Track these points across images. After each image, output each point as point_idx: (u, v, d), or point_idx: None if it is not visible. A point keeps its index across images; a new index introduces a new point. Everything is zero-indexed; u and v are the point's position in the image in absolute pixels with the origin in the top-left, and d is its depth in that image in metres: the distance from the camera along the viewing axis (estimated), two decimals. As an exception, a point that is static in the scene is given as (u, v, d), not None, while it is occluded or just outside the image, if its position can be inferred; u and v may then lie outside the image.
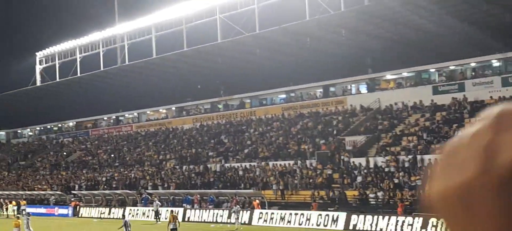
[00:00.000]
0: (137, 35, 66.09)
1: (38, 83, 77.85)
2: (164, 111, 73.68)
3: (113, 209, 49.68)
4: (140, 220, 45.62)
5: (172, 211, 37.76)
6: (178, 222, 34.46)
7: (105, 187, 57.16)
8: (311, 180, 42.53)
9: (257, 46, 55.09)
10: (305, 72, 56.89)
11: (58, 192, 59.76)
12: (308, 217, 35.83)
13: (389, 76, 52.28)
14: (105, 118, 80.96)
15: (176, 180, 51.69)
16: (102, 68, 69.22)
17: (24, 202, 57.08)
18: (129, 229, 32.87)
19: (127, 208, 47.79)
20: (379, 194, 37.63)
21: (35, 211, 56.85)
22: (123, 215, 36.26)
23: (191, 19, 59.77)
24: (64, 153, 75.96)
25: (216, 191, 45.58)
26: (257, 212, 38.85)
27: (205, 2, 57.70)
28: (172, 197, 48.10)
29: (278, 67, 58.57)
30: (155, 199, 46.56)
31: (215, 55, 59.22)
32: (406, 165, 39.53)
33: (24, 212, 55.10)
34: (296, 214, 36.61)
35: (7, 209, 56.60)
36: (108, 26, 69.14)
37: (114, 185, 56.73)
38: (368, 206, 37.34)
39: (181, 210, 43.07)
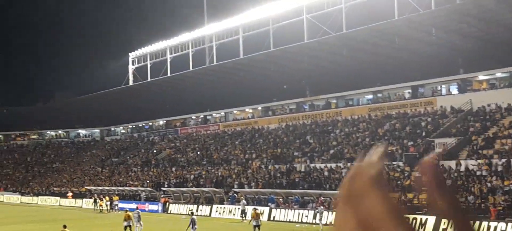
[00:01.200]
0: (225, 36, 67.14)
1: (131, 83, 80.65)
2: (251, 111, 74.47)
3: (200, 206, 50.76)
4: (226, 218, 46.39)
5: (255, 209, 38.14)
6: (260, 220, 34.74)
7: (193, 184, 58.47)
8: (398, 182, 41.72)
9: (344, 46, 54.61)
10: (392, 72, 55.84)
11: (148, 189, 61.73)
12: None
13: (481, 77, 50.46)
14: (194, 117, 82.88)
15: (262, 179, 52.13)
16: (191, 68, 70.83)
17: (117, 197, 59.40)
18: (195, 226, 32.71)
19: (193, 206, 48.73)
20: (470, 198, 36.39)
21: (127, 207, 59.03)
22: (191, 212, 36.62)
23: (278, 20, 60.04)
24: (154, 151, 78.33)
25: (301, 191, 45.58)
26: (342, 213, 38.53)
27: (292, 3, 57.79)
28: (257, 195, 48.55)
29: (365, 67, 57.80)
30: (242, 197, 47.18)
31: (302, 55, 59.22)
32: (499, 168, 38.04)
33: (116, 207, 57.52)
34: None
35: (101, 204, 59.11)
36: (197, 27, 70.66)
37: (201, 183, 57.93)
38: (458, 210, 36.11)
39: (266, 209, 43.40)
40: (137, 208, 38.42)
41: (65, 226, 27.33)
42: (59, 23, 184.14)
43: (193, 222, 32.03)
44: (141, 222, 34.97)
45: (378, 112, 55.85)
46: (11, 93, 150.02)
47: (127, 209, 37.24)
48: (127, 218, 34.38)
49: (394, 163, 44.80)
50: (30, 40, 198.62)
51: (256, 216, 33.86)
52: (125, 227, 34.22)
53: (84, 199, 67.45)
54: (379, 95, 58.98)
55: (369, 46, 53.27)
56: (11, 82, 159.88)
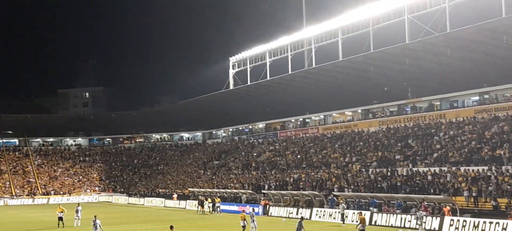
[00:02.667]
0: (324, 39, 66.88)
1: (231, 86, 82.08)
2: (350, 113, 73.71)
3: (300, 210, 50.83)
4: (326, 221, 46.14)
5: (361, 213, 37.67)
6: (365, 225, 34.38)
7: (293, 187, 58.65)
8: (508, 187, 39.79)
9: (447, 46, 52.84)
10: (500, 73, 53.34)
11: (249, 191, 62.56)
12: (504, 226, 33.50)
13: None
14: (293, 120, 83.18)
15: (362, 182, 51.43)
16: (290, 72, 71.11)
17: (219, 199, 60.67)
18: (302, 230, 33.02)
19: (314, 209, 48.70)
20: None
21: (228, 209, 60.28)
22: (301, 217, 36.77)
23: (378, 21, 59.03)
24: (254, 154, 79.30)
25: (404, 195, 44.51)
26: (447, 219, 37.28)
27: (393, 3, 56.60)
28: (358, 199, 47.96)
29: (470, 68, 55.62)
30: (341, 201, 46.77)
31: (403, 57, 57.89)
32: None
33: (218, 209, 58.76)
34: (490, 222, 34.44)
35: (202, 209, 60.58)
36: (296, 31, 70.82)
37: (301, 186, 57.99)
38: None
39: (367, 213, 42.79)
40: (253, 209, 40.26)
41: (171, 227, 28.20)
42: (164, 31, 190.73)
43: (299, 225, 32.20)
44: (255, 223, 36.23)
45: (484, 114, 53.59)
46: (119, 99, 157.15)
47: (244, 210, 39.22)
48: (243, 219, 36.34)
49: (502, 167, 42.80)
50: (137, 49, 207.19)
51: (362, 221, 33.44)
52: (243, 227, 36.20)
53: (188, 201, 69.41)
54: (486, 96, 56.49)
55: (475, 46, 51.23)
56: (119, 88, 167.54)
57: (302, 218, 33.31)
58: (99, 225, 35.57)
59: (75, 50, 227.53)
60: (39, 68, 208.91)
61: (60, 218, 45.81)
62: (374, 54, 57.84)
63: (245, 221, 36.54)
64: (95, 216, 36.15)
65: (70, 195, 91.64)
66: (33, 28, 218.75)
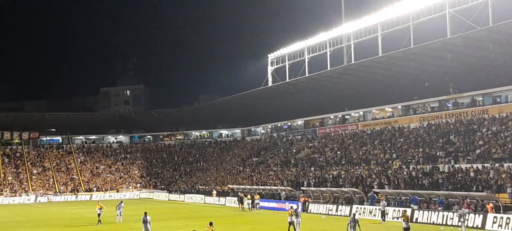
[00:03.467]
0: (363, 34, 66.36)
1: (270, 83, 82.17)
2: (390, 110, 73.02)
3: (340, 207, 50.62)
4: (366, 219, 45.81)
5: (405, 211, 37.25)
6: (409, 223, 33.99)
7: (332, 184, 58.44)
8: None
9: (490, 40, 51.83)
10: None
11: (288, 188, 62.58)
12: (550, 225, 32.78)
13: None
14: (332, 117, 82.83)
15: (403, 179, 50.91)
16: (328, 68, 70.80)
17: (258, 196, 60.84)
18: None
19: (354, 206, 48.45)
20: None
21: (267, 205, 60.43)
22: (354, 214, 36.57)
23: (419, 16, 58.28)
24: (293, 150, 79.25)
25: (446, 192, 43.89)
26: (490, 216, 36.63)
27: (433, -3, 55.84)
28: (398, 196, 47.50)
29: (514, 62, 54.53)
30: (382, 198, 46.41)
31: (444, 52, 57.02)
32: None
33: (258, 206, 58.91)
34: (535, 220, 33.72)
35: (241, 205, 60.85)
36: (335, 27, 70.47)
37: (340, 183, 57.74)
38: None
39: (408, 210, 42.34)
40: (298, 206, 40.25)
41: (211, 224, 28.41)
42: (203, 30, 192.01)
43: (353, 221, 32.02)
44: (299, 219, 36.12)
45: (529, 110, 52.49)
46: (159, 97, 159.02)
47: (292, 206, 39.20)
48: (291, 215, 36.31)
49: (548, 163, 41.84)
50: (177, 47, 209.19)
51: (406, 219, 33.14)
52: (289, 223, 36.13)
53: (227, 197, 69.82)
54: (530, 91, 55.30)
55: (518, 40, 50.15)
56: (159, 86, 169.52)
57: (354, 215, 33.03)
58: (149, 222, 35.66)
59: (116, 49, 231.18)
60: (81, 68, 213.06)
61: (99, 215, 46.58)
62: (415, 49, 57.12)
63: (292, 217, 36.41)
64: (145, 213, 36.36)
65: (112, 192, 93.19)
66: (75, 28, 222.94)
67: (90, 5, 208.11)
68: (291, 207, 38.70)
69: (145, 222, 35.40)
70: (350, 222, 30.90)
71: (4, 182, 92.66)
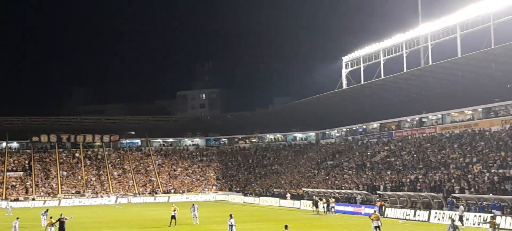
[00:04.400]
0: (441, 35, 64.70)
1: (344, 86, 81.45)
2: (470, 112, 70.83)
3: (418, 211, 49.56)
4: (445, 224, 44.62)
5: (492, 217, 36.04)
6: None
7: (409, 188, 57.28)
8: None
9: None
10: None
11: (364, 192, 61.86)
12: None
13: None
14: (408, 120, 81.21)
15: (484, 184, 49.27)
16: (405, 70, 69.45)
17: (333, 200, 60.48)
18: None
19: (433, 211, 47.33)
20: None
21: (343, 209, 59.97)
22: (452, 219, 35.71)
23: (500, 15, 56.26)
24: (369, 154, 78.25)
25: (530, 198, 42.17)
26: None
27: (516, -5, 53.78)
28: (479, 202, 46.01)
29: None
30: (461, 203, 45.09)
31: (528, 52, 54.79)
32: None
33: (333, 210, 58.56)
34: None
35: (315, 209, 60.65)
36: (411, 28, 69.11)
37: (418, 187, 56.52)
38: None
39: (489, 216, 40.95)
40: (374, 211, 40.03)
41: (286, 226, 28.54)
42: (278, 33, 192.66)
43: (453, 227, 31.42)
44: (380, 222, 36.02)
45: None
46: (234, 100, 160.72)
47: (375, 210, 38.96)
48: (377, 219, 36.17)
49: None
50: (251, 51, 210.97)
51: (493, 225, 32.10)
52: (375, 227, 35.93)
53: (302, 201, 69.75)
54: None
55: None
56: (234, 90, 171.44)
57: (453, 221, 32.28)
58: (234, 225, 35.89)
59: (193, 53, 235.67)
60: (159, 72, 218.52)
61: (173, 217, 47.41)
62: (496, 50, 55.16)
63: (379, 221, 36.01)
64: (231, 215, 36.77)
65: (189, 194, 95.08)
66: (153, 33, 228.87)
67: (168, 10, 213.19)
68: (375, 211, 38.32)
69: (230, 225, 35.59)
70: (450, 229, 30.29)
71: (86, 184, 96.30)
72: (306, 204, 66.96)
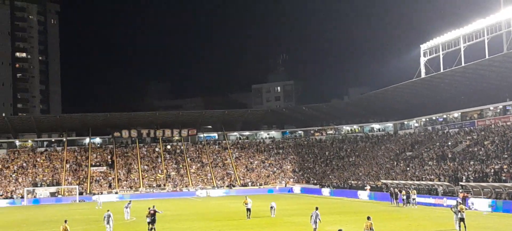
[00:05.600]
0: (525, 19, 61.97)
1: (423, 75, 79.45)
2: (558, 98, 67.45)
3: (500, 202, 47.69)
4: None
5: None
6: None
7: (494, 179, 55.19)
8: None
9: None
10: None
11: (445, 183, 60.13)
12: None
13: None
14: (491, 108, 78.20)
15: None
16: (487, 57, 66.90)
17: (415, 191, 59.11)
18: None
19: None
20: None
21: (423, 201, 58.58)
22: None
23: None
24: (450, 144, 75.98)
25: None
26: None
27: None
28: None
29: None
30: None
31: None
32: None
33: (413, 201, 57.20)
34: None
35: (396, 198, 59.44)
36: (492, 12, 66.52)
37: (503, 178, 54.37)
38: None
39: None
40: (457, 202, 39.10)
41: (369, 218, 28.32)
42: (350, 24, 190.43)
43: None
44: (464, 214, 35.20)
45: None
46: (309, 91, 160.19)
47: (458, 201, 38.93)
48: (462, 210, 35.39)
49: None
50: (325, 42, 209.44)
51: None
52: (460, 219, 35.18)
53: (381, 192, 68.63)
54: None
55: None
56: (309, 81, 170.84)
57: None
58: (319, 218, 35.32)
59: (268, 46, 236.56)
60: (235, 66, 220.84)
61: (248, 209, 47.65)
62: None
63: (463, 213, 35.13)
64: (316, 208, 36.56)
65: (266, 186, 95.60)
66: (227, 28, 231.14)
67: (245, 5, 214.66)
68: (459, 203, 37.28)
69: (314, 217, 35.17)
70: None
71: (166, 177, 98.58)
72: (385, 196, 65.81)
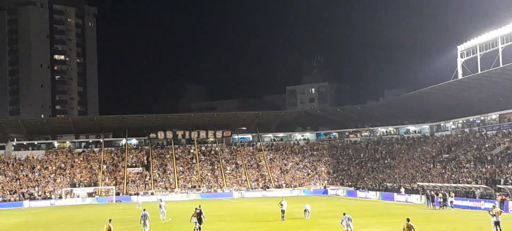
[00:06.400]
0: None
1: (460, 76, 78.41)
2: None
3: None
4: None
5: None
6: None
7: (533, 182, 54.13)
8: None
9: None
10: None
11: (483, 186, 59.21)
12: None
13: None
14: (530, 110, 76.72)
15: None
16: (526, 57, 65.71)
17: (453, 194, 58.35)
18: None
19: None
20: None
21: (460, 204, 57.77)
22: None
23: None
24: (487, 146, 74.74)
25: None
26: None
27: None
28: None
29: None
30: None
31: None
32: None
33: (451, 204, 56.42)
34: None
35: (433, 200, 58.71)
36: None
37: (543, 181, 53.27)
38: None
39: None
40: (494, 205, 38.71)
41: (408, 220, 28.54)
42: (385, 25, 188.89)
43: None
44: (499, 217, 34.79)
45: None
46: (344, 93, 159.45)
47: (495, 204, 39.09)
48: (499, 214, 35.09)
49: None
50: (359, 44, 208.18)
51: None
52: (495, 223, 34.88)
53: (417, 195, 67.90)
54: None
55: None
56: (344, 83, 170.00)
57: None
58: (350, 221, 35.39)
59: (302, 48, 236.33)
60: (269, 68, 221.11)
61: (283, 211, 47.68)
62: None
63: (499, 216, 34.83)
64: (344, 213, 36.49)
65: (301, 188, 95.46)
66: (262, 30, 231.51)
67: (279, 7, 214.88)
68: (494, 206, 36.84)
69: (345, 221, 35.27)
70: None
71: (201, 178, 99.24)
72: (421, 199, 65.09)
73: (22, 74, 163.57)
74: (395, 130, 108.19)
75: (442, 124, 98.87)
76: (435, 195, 59.60)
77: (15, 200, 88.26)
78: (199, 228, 39.04)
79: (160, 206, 52.24)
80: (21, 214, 70.56)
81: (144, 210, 40.45)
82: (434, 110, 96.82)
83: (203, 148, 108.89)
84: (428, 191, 63.86)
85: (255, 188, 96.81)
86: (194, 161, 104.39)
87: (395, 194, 73.72)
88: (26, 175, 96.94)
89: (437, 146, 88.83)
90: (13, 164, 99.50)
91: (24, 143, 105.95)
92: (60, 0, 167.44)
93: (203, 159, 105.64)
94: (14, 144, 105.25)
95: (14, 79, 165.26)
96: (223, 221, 49.72)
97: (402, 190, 73.57)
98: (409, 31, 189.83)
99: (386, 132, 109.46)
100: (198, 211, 39.40)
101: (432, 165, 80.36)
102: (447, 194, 58.22)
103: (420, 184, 72.14)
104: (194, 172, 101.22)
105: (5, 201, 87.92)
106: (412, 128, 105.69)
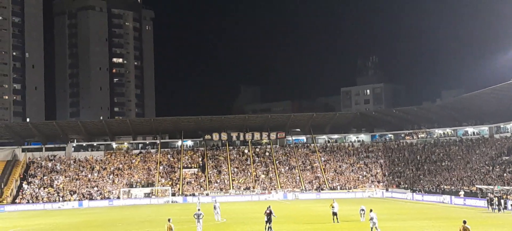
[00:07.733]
0: None
1: (521, 76, 76.17)
2: None
3: None
4: None
5: None
6: None
7: None
8: None
9: None
10: None
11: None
12: None
13: None
14: None
15: None
16: None
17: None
18: None
19: None
20: None
21: (522, 207, 55.99)
22: None
23: None
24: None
25: None
26: None
27: None
28: None
29: None
30: None
31: None
32: None
33: (510, 207, 54.86)
34: None
35: (492, 204, 57.20)
36: None
37: None
38: None
39: None
40: None
41: (464, 222, 28.05)
42: (440, 25, 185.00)
43: None
44: None
45: None
46: (399, 94, 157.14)
47: None
48: None
49: None
50: (415, 44, 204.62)
51: None
52: None
53: (476, 198, 66.29)
54: None
55: None
56: (399, 84, 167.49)
57: None
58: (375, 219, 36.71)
59: (356, 49, 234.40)
60: (324, 69, 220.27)
61: (334, 213, 47.30)
62: None
63: None
64: (371, 210, 37.02)
65: (355, 190, 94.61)
66: (316, 31, 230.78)
67: (333, 9, 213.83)
68: None
69: (371, 219, 36.48)
70: None
71: (255, 180, 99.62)
72: (481, 202, 63.51)
73: (81, 77, 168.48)
74: (452, 132, 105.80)
75: (502, 126, 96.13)
76: (494, 198, 58.03)
77: (75, 200, 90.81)
78: (270, 227, 39.98)
79: (215, 207, 52.74)
80: (80, 213, 72.58)
81: (198, 209, 41.17)
82: (493, 112, 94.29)
83: (257, 149, 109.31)
84: (489, 193, 62.24)
85: (309, 190, 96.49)
86: (248, 162, 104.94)
87: (453, 197, 72.15)
88: (86, 176, 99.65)
89: (497, 148, 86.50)
90: (73, 165, 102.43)
91: (84, 144, 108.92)
92: (118, 4, 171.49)
93: (257, 161, 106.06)
94: (74, 145, 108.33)
95: (74, 82, 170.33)
96: (277, 223, 49.72)
97: (461, 193, 71.93)
98: (467, 30, 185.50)
99: (444, 133, 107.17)
100: (268, 211, 40.39)
101: (491, 168, 78.29)
102: (507, 197, 56.60)
103: (479, 186, 70.42)
104: (249, 173, 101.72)
105: (65, 200, 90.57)
106: (470, 129, 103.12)
